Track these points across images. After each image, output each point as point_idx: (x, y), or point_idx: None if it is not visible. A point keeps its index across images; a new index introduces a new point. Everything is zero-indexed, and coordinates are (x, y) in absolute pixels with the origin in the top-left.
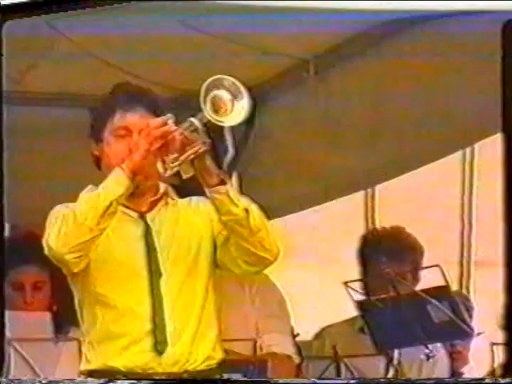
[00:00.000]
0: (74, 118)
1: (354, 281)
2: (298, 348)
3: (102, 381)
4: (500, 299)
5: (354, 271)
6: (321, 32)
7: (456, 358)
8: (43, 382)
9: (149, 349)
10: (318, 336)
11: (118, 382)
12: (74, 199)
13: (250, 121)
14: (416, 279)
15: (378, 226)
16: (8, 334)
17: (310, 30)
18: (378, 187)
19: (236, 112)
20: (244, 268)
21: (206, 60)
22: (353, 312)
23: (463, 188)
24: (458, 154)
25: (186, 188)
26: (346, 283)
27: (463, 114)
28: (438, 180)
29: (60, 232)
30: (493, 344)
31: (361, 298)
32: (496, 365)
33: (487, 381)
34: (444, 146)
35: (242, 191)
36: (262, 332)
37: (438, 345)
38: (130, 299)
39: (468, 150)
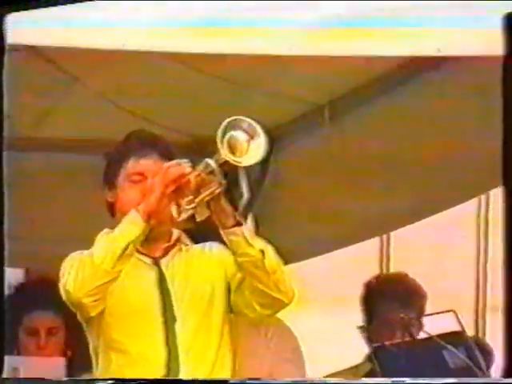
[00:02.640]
0: (90, 163)
1: (368, 326)
2: None
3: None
4: None
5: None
6: (336, 77)
7: None
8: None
9: None
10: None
11: None
12: (89, 245)
13: (264, 164)
14: (421, 325)
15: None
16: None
17: (324, 76)
18: (393, 234)
19: (252, 152)
20: (259, 311)
21: (222, 106)
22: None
23: (478, 235)
24: (474, 201)
25: (199, 233)
26: (361, 327)
27: (479, 159)
28: (453, 227)
29: (77, 276)
30: None
31: (375, 343)
32: None
33: (488, 381)
34: (460, 193)
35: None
36: (276, 376)
37: None
38: (144, 345)
39: (483, 197)
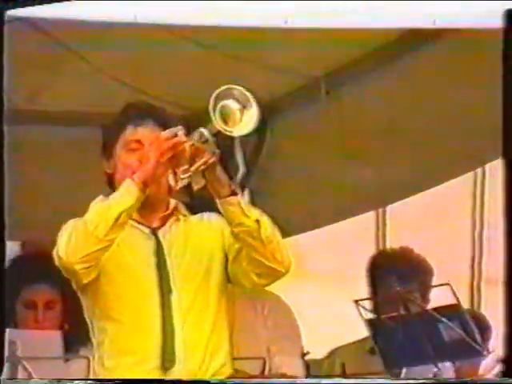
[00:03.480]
0: (87, 136)
1: (365, 299)
2: (308, 368)
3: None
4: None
5: (365, 290)
6: (332, 50)
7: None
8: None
9: (158, 366)
10: (328, 356)
11: None
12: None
13: (260, 136)
14: (426, 300)
15: (387, 245)
16: (19, 352)
17: (321, 48)
18: (389, 206)
19: (245, 122)
20: (256, 281)
21: (218, 79)
22: (363, 332)
23: (474, 206)
24: (470, 174)
25: (196, 205)
26: (356, 301)
27: (479, 131)
28: (449, 200)
29: (70, 242)
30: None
31: (371, 316)
32: None
33: (488, 381)
34: (458, 165)
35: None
36: (273, 353)
37: (447, 364)
38: (139, 316)
39: (479, 169)
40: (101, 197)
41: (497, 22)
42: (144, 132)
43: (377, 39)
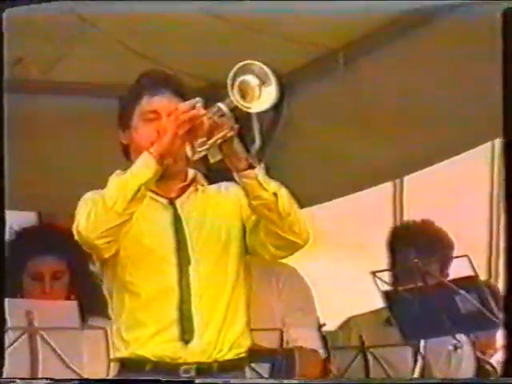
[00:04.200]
0: (102, 107)
1: (382, 271)
2: (325, 341)
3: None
4: None
5: (381, 262)
6: (350, 21)
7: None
8: (43, 381)
9: (176, 338)
10: (344, 326)
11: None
12: (102, 188)
13: (277, 109)
14: (445, 273)
15: (405, 217)
16: (36, 322)
17: (338, 19)
18: (406, 178)
19: (263, 98)
20: (273, 253)
21: (234, 50)
22: (379, 303)
23: (492, 177)
24: (487, 146)
25: (215, 175)
26: (373, 273)
27: (496, 103)
28: (466, 172)
29: (90, 217)
30: None
31: (388, 288)
32: None
33: (488, 381)
34: (476, 136)
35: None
36: (289, 326)
37: (464, 337)
38: (157, 287)
39: (497, 141)
40: (118, 171)
41: None
42: (161, 102)
43: (394, 10)
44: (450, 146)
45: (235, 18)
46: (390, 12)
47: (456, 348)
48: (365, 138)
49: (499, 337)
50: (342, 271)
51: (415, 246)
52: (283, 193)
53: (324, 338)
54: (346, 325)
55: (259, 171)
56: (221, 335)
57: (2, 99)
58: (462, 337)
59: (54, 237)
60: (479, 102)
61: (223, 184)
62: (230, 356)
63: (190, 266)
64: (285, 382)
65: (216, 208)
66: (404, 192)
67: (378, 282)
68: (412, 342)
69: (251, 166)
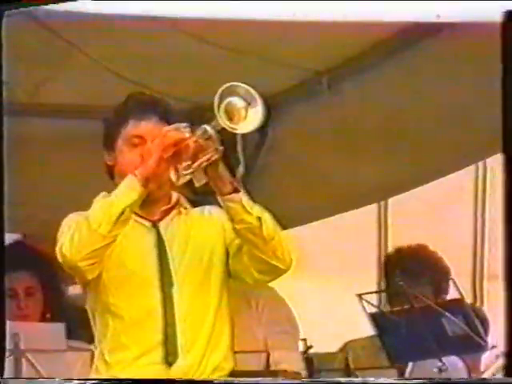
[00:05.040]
0: (87, 129)
1: (368, 293)
2: (310, 363)
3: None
4: None
5: (366, 284)
6: (334, 44)
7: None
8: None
9: (159, 360)
10: (340, 350)
11: None
12: (87, 209)
13: (262, 131)
14: (441, 297)
15: (391, 239)
16: (21, 345)
17: (323, 43)
18: (391, 200)
19: (250, 119)
20: (257, 277)
21: (220, 73)
22: (366, 325)
23: (476, 202)
24: (471, 168)
25: (198, 198)
26: (359, 296)
27: (479, 125)
28: (450, 195)
29: (73, 239)
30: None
31: (375, 310)
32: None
33: (488, 381)
34: (459, 159)
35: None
36: (271, 348)
37: (451, 359)
38: (141, 309)
39: (480, 163)
40: (103, 193)
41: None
42: (147, 127)
43: (378, 33)
44: (435, 169)
45: (220, 40)
46: (374, 35)
47: (441, 371)
48: (349, 161)
49: (484, 359)
50: (326, 293)
51: (404, 269)
52: (267, 217)
53: (309, 360)
54: (343, 349)
55: (243, 195)
56: (204, 358)
57: None
58: (448, 359)
59: (25, 254)
60: (464, 125)
61: (207, 207)
62: (211, 378)
63: (173, 288)
64: (282, 381)
65: (199, 231)
66: (389, 214)
67: (365, 304)
68: (399, 365)
69: (236, 190)
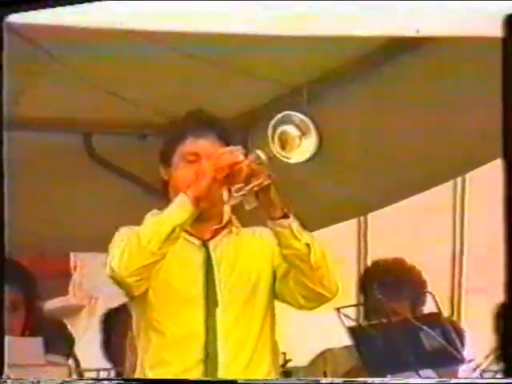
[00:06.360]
0: (66, 142)
1: (346, 306)
2: (288, 376)
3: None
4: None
5: (345, 298)
6: (314, 58)
7: None
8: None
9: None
10: (316, 360)
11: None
12: (69, 223)
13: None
14: (417, 310)
15: (370, 253)
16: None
17: (303, 57)
18: (370, 215)
19: (303, 149)
20: (302, 303)
21: (196, 86)
22: (345, 339)
23: (454, 216)
24: (450, 184)
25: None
26: (338, 309)
27: (460, 141)
28: (429, 210)
29: (123, 254)
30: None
31: (352, 324)
32: None
33: (488, 381)
34: (439, 174)
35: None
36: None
37: (428, 372)
38: (184, 327)
39: (459, 179)
40: (155, 210)
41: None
42: (204, 145)
43: (359, 47)
44: (414, 184)
45: (199, 54)
46: (354, 50)
47: None
48: (328, 176)
49: (461, 373)
50: None
51: (382, 283)
52: (316, 244)
53: (288, 374)
54: (319, 358)
55: (294, 221)
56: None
57: None
58: (425, 372)
59: (12, 271)
60: (441, 140)
61: (257, 228)
62: None
63: (217, 308)
64: (283, 382)
65: (248, 252)
66: (368, 229)
67: (343, 317)
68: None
69: (286, 215)
